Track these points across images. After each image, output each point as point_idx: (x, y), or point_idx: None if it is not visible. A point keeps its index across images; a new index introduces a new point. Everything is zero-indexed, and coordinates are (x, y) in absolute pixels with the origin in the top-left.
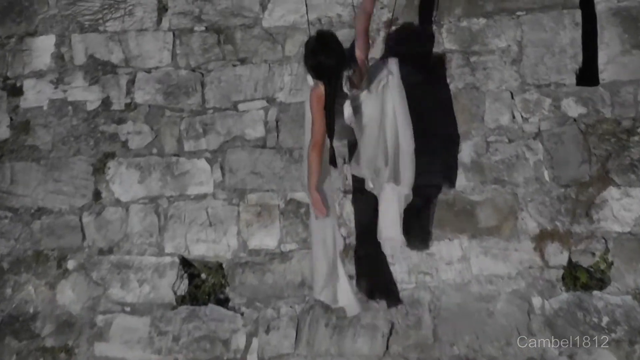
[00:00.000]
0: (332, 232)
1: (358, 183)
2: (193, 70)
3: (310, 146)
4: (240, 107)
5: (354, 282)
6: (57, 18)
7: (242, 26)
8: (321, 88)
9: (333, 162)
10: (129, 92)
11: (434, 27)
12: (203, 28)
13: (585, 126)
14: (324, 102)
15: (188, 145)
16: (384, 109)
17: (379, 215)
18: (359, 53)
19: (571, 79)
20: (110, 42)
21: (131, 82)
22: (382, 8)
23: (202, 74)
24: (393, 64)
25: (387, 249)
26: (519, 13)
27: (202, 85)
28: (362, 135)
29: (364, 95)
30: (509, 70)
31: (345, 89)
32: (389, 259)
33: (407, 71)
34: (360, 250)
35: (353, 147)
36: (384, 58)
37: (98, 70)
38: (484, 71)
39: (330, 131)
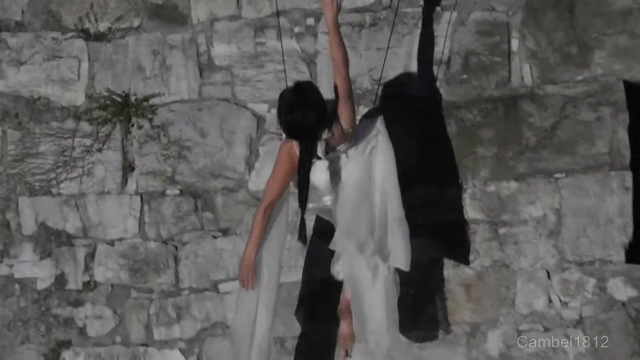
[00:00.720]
0: (264, 315)
1: None
2: (165, 242)
3: (260, 205)
4: (222, 287)
5: None
6: (2, 178)
7: (224, 189)
8: (295, 146)
9: (302, 237)
10: (87, 268)
11: (455, 191)
12: (177, 191)
13: (635, 312)
14: (295, 163)
15: (158, 333)
16: (371, 175)
17: (364, 307)
18: (344, 123)
19: (619, 256)
20: (65, 208)
21: (90, 256)
22: None
23: (176, 247)
24: (380, 122)
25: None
26: (557, 175)
27: (176, 260)
28: (343, 206)
29: (346, 158)
30: (545, 245)
31: (320, 152)
32: None
33: (423, 245)
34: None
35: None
36: (371, 115)
37: (50, 241)
38: (515, 245)
39: (303, 201)
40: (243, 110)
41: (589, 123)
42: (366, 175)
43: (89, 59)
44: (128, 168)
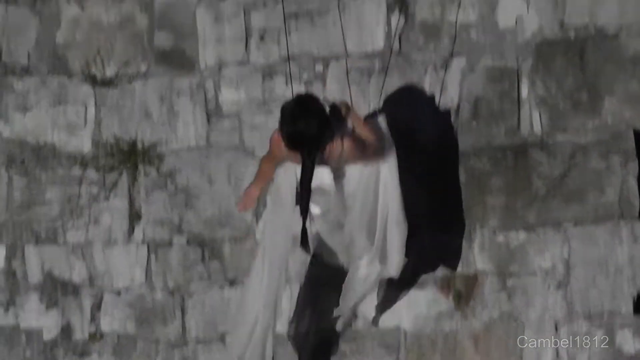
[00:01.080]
0: (262, 313)
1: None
2: (171, 292)
3: (263, 158)
4: (229, 338)
5: None
6: (7, 225)
7: (232, 239)
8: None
9: (305, 244)
10: (93, 318)
11: (463, 242)
12: (184, 241)
13: None
14: (281, 150)
15: None
16: (377, 176)
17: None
18: (346, 151)
19: (628, 307)
20: (72, 257)
21: (96, 305)
22: None
23: (183, 297)
24: (383, 121)
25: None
26: (566, 225)
27: (183, 310)
28: (351, 207)
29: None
30: (554, 296)
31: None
32: None
33: (430, 298)
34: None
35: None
36: (374, 114)
37: (57, 290)
38: (523, 297)
39: (304, 209)
40: (251, 158)
41: (599, 171)
42: (372, 176)
43: (95, 104)
44: (135, 216)
